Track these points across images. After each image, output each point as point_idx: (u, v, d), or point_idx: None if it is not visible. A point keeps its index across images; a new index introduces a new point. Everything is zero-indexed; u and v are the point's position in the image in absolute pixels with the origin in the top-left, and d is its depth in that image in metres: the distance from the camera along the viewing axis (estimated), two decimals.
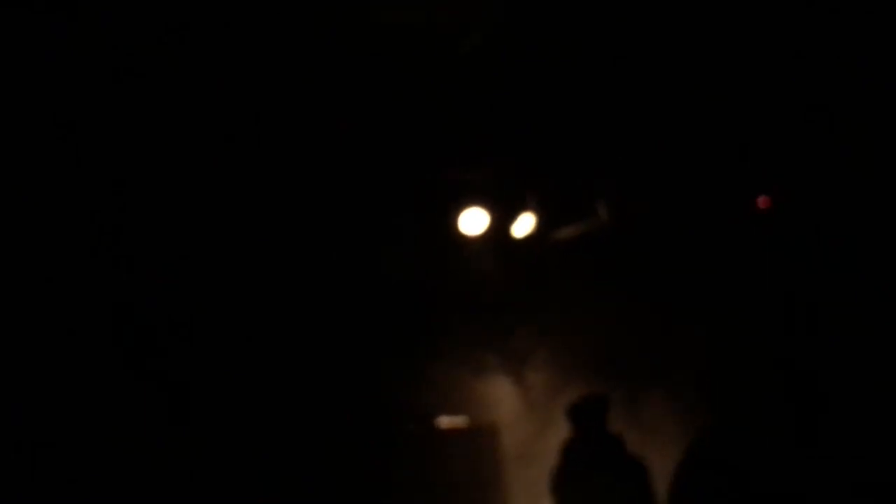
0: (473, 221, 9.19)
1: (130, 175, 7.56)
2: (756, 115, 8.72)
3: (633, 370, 9.73)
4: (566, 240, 9.58)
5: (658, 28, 8.24)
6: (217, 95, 7.47)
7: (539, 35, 8.33)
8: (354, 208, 8.77)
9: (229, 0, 7.19)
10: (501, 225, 9.28)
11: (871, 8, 7.83)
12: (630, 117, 8.86)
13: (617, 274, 9.63)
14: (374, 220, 8.90)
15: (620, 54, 8.48)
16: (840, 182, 8.69)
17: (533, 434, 9.63)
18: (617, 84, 8.70)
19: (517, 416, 9.79)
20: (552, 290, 9.73)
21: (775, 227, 9.28)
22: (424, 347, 9.34)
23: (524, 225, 9.38)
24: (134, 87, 7.21)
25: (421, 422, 9.25)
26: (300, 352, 8.78)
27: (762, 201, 9.29)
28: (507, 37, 8.31)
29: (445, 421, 9.34)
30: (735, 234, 9.42)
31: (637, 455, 8.20)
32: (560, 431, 8.59)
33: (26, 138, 7.14)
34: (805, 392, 8.22)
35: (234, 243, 8.13)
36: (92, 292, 7.71)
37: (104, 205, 7.58)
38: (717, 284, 9.52)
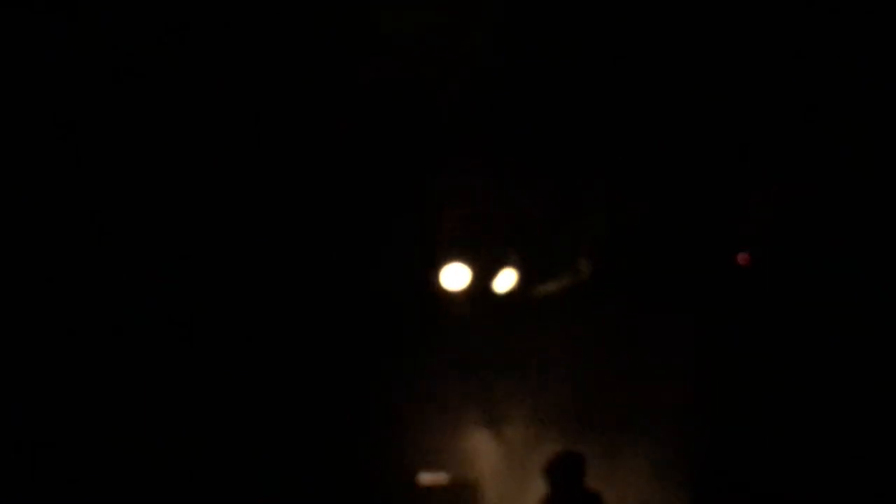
0: (455, 276, 9.19)
1: (130, 175, 7.52)
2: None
3: (611, 426, 9.65)
4: (547, 295, 9.56)
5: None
6: (217, 96, 7.45)
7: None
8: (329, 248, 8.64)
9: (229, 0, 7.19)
10: (483, 280, 9.27)
11: (871, 8, 7.80)
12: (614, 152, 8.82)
13: (597, 328, 9.56)
14: (352, 265, 8.80)
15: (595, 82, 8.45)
16: (838, 185, 8.65)
17: (513, 489, 9.55)
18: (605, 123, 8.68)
19: (497, 471, 9.72)
20: (532, 346, 9.66)
21: (758, 280, 9.28)
22: (404, 402, 9.25)
23: (506, 280, 9.37)
24: (134, 87, 7.17)
25: (401, 478, 9.21)
26: (281, 401, 8.68)
27: (742, 258, 9.27)
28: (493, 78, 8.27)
29: (426, 477, 9.30)
30: (713, 289, 9.41)
31: None
32: (539, 487, 8.50)
33: (26, 138, 7.10)
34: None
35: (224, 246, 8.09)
36: (91, 292, 7.68)
37: (104, 205, 7.54)
38: (699, 339, 9.51)
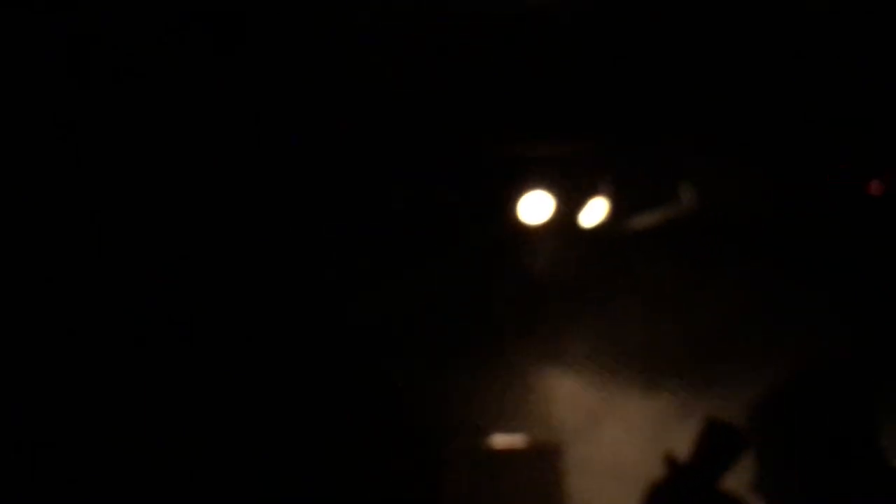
0: (535, 207, 8.21)
1: (130, 175, 7.42)
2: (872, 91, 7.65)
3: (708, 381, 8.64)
4: (644, 230, 8.55)
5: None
6: (220, 95, 7.23)
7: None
8: (390, 190, 8.17)
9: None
10: (568, 212, 8.30)
11: None
12: (721, 83, 7.76)
13: (702, 270, 8.59)
14: (416, 204, 8.18)
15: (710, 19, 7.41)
16: None
17: (601, 453, 8.71)
18: (704, 47, 7.66)
19: (580, 431, 8.82)
20: (625, 289, 8.72)
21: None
22: (476, 356, 8.50)
23: (595, 212, 8.36)
24: (134, 87, 7.05)
25: (473, 440, 8.44)
26: (335, 359, 8.31)
27: (875, 186, 8.17)
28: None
29: (501, 440, 8.47)
30: (844, 227, 8.39)
31: None
32: (629, 450, 8.23)
33: (26, 138, 7.09)
34: None
35: (253, 241, 7.96)
36: (91, 292, 7.62)
37: (104, 205, 7.50)
38: (821, 287, 8.55)
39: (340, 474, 8.13)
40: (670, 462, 5.82)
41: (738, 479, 5.16)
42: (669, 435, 8.66)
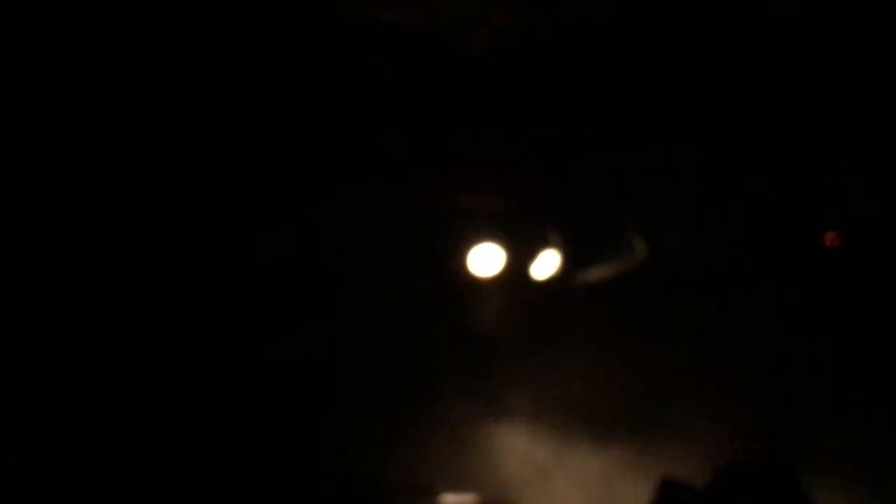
0: (486, 259, 8.01)
1: (130, 175, 7.39)
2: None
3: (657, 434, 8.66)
4: (595, 282, 8.40)
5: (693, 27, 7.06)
6: (224, 95, 7.14)
7: (561, 34, 7.17)
8: (337, 234, 7.99)
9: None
10: (519, 264, 8.10)
11: None
12: (669, 130, 7.63)
13: (650, 322, 8.53)
14: (366, 253, 7.99)
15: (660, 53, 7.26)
16: None
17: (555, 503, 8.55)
18: (657, 90, 7.52)
19: (530, 489, 8.65)
20: (574, 343, 8.58)
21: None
22: (424, 410, 8.34)
23: (546, 264, 8.17)
24: (134, 86, 6.99)
25: (420, 499, 8.19)
26: (281, 408, 8.14)
27: (830, 238, 8.08)
28: (522, 36, 7.12)
29: (450, 499, 8.25)
30: (799, 271, 8.32)
31: None
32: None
33: (26, 138, 7.04)
34: None
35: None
36: (91, 292, 7.64)
37: (104, 205, 7.47)
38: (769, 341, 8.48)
39: None
40: None
41: None
42: (618, 489, 8.59)
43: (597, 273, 8.33)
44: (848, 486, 8.20)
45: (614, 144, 7.75)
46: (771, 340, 8.51)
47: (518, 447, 8.68)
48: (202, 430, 7.91)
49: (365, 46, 7.05)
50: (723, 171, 7.87)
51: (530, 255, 8.10)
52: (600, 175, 7.92)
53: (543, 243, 8.09)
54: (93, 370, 7.64)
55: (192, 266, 7.86)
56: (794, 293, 8.41)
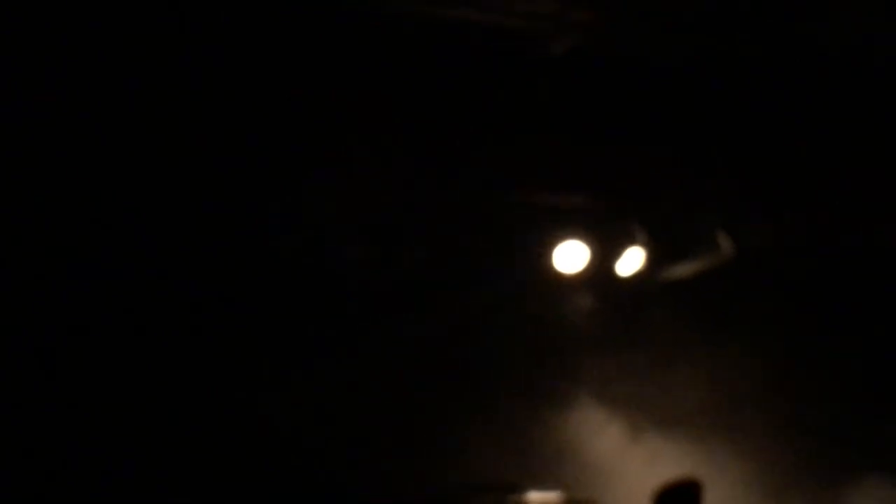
0: (571, 257, 8.01)
1: (130, 175, 7.39)
2: None
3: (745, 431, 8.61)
4: (680, 279, 8.37)
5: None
6: (234, 97, 7.17)
7: (643, 35, 7.24)
8: (431, 238, 7.98)
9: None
10: (604, 261, 8.12)
11: None
12: (758, 130, 7.68)
13: (737, 319, 8.47)
14: (456, 255, 8.00)
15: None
16: None
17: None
18: (743, 91, 7.51)
19: (618, 489, 8.54)
20: (662, 341, 8.53)
21: None
22: (511, 407, 8.30)
23: (631, 261, 8.16)
24: (134, 87, 7.00)
25: (506, 496, 8.15)
26: (369, 407, 8.14)
27: None
28: (605, 37, 7.21)
29: (535, 497, 8.20)
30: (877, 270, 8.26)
31: None
32: None
33: (26, 138, 7.06)
34: None
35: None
36: (91, 291, 7.60)
37: (104, 204, 7.45)
38: (854, 336, 8.44)
39: None
40: None
41: None
42: None
43: (682, 270, 8.30)
44: None
45: (700, 143, 7.78)
46: (847, 346, 8.48)
47: (603, 445, 8.69)
48: (296, 433, 7.97)
49: (448, 46, 7.06)
50: (806, 174, 7.88)
51: (616, 253, 8.11)
52: (687, 173, 7.94)
53: (629, 240, 8.09)
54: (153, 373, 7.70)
55: (288, 268, 7.88)
56: (875, 298, 8.35)
